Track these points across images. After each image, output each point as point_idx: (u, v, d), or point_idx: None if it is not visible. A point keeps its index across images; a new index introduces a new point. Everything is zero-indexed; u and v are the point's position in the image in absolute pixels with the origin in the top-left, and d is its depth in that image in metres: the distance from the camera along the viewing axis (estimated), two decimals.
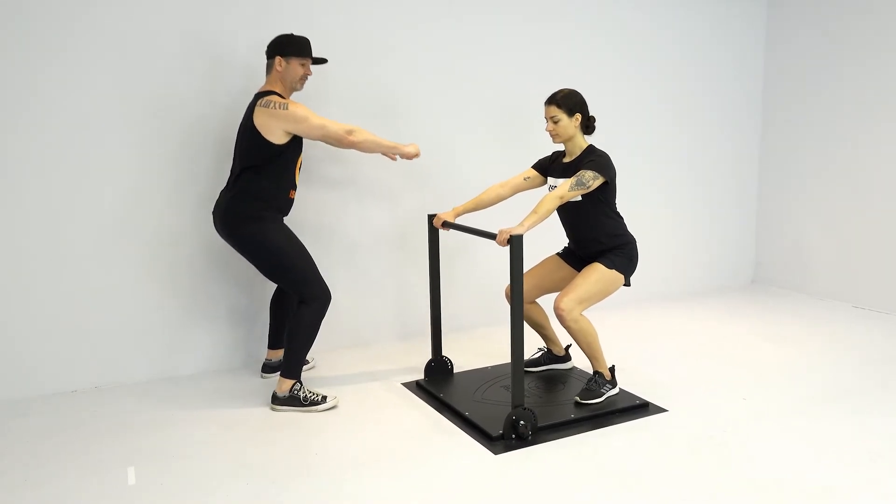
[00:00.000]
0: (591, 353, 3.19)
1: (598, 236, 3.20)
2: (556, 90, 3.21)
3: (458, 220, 3.35)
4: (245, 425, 3.03)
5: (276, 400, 3.18)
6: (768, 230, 5.50)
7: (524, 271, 3.30)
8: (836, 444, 2.78)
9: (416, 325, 4.28)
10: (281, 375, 3.19)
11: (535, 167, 3.38)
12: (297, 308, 3.20)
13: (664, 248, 5.14)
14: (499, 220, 4.00)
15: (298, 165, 3.25)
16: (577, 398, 3.17)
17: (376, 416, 3.12)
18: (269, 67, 3.19)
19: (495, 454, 2.73)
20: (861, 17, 4.72)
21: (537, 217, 2.93)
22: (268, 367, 3.61)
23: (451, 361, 3.58)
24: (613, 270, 3.15)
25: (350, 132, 3.10)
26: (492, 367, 3.67)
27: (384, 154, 3.27)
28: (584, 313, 3.13)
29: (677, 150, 5.10)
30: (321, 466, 2.65)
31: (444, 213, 3.32)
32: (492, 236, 2.93)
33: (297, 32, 3.67)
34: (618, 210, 3.24)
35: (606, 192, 3.14)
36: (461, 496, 2.42)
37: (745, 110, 5.35)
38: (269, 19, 3.63)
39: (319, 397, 3.19)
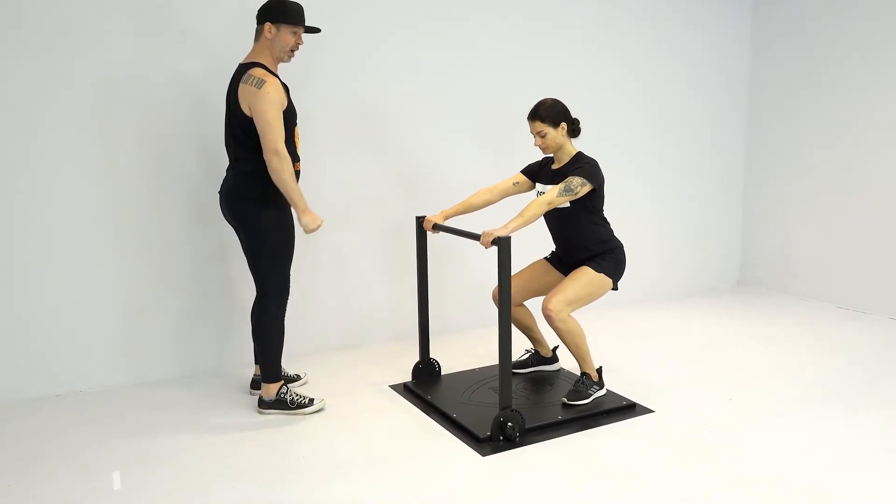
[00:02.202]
0: (579, 354, 3.20)
1: (585, 243, 3.21)
2: (537, 103, 3.17)
3: (446, 223, 3.35)
4: (232, 429, 3.02)
5: (263, 404, 3.16)
6: (754, 232, 5.54)
7: (512, 274, 3.31)
8: (823, 442, 2.80)
9: (404, 327, 4.28)
10: (263, 381, 3.16)
11: (524, 172, 3.39)
12: (257, 306, 3.13)
13: (650, 251, 5.16)
14: (488, 223, 3.99)
15: (296, 136, 3.08)
16: (565, 399, 3.18)
17: (364, 418, 3.12)
18: (258, 34, 2.97)
19: (483, 456, 2.74)
20: (846, 19, 4.76)
21: (523, 220, 2.93)
22: (256, 384, 3.42)
23: (438, 363, 3.58)
24: (602, 274, 3.16)
25: (276, 153, 2.84)
26: (479, 368, 3.68)
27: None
28: (571, 315, 3.14)
29: (663, 152, 5.12)
30: (309, 469, 2.64)
31: (433, 216, 3.31)
32: (479, 238, 2.93)
33: None
34: (605, 217, 3.25)
35: (594, 199, 3.15)
36: (449, 498, 2.42)
37: (731, 112, 5.39)
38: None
39: (306, 400, 3.18)
